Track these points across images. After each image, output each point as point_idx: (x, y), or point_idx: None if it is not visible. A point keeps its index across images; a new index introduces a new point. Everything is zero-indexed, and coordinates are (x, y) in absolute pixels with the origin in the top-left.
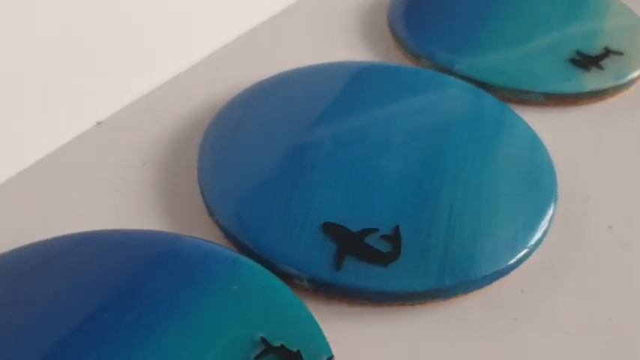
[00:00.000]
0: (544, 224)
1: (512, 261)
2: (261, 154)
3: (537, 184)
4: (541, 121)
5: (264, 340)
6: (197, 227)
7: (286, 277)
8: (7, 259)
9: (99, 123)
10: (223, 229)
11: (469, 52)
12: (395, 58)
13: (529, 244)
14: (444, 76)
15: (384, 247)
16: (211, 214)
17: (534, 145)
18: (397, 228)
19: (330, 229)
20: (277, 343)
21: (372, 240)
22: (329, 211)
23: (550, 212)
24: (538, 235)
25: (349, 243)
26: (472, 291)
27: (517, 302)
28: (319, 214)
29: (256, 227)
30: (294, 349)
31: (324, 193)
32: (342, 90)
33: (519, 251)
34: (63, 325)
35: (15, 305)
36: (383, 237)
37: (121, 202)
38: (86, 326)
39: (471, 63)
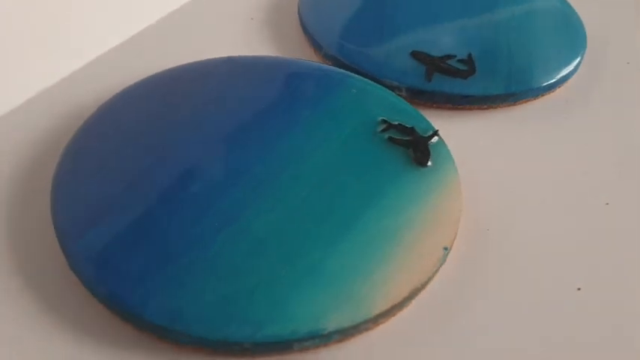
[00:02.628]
0: (576, 61)
1: (557, 78)
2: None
3: (571, 39)
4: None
5: (384, 120)
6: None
7: (388, 89)
8: (169, 73)
9: None
10: (332, 59)
11: None
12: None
13: (567, 71)
14: None
15: (461, 67)
16: (319, 48)
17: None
18: (470, 54)
19: (418, 55)
20: (395, 122)
21: (451, 63)
22: (417, 42)
23: (579, 57)
24: (570, 69)
25: (434, 63)
26: (528, 99)
27: (562, 109)
28: (410, 44)
29: (361, 52)
30: (409, 126)
31: (415, 28)
32: None
33: (561, 73)
34: (239, 113)
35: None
36: (459, 61)
37: (234, 43)
38: (253, 118)
39: None
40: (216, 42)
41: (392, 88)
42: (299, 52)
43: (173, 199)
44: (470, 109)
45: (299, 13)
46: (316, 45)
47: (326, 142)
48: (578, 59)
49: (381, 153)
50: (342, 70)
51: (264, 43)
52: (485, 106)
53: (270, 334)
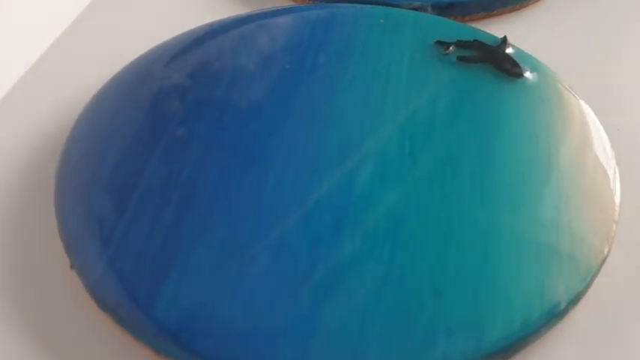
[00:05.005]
0: None
1: None
2: None
3: None
4: None
5: (440, 42)
6: None
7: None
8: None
9: None
10: None
11: None
12: None
13: None
14: None
15: None
16: None
17: None
18: None
19: None
20: (453, 40)
21: None
22: None
23: None
24: None
25: None
26: None
27: None
28: None
29: None
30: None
31: None
32: None
33: None
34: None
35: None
36: None
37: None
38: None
39: None
40: (168, 18)
41: (415, 10)
42: (269, 1)
43: (254, 201)
44: (502, 12)
45: None
46: None
47: (390, 86)
48: None
49: (461, 76)
50: (349, 5)
51: (222, 6)
52: (517, 6)
53: (501, 337)
